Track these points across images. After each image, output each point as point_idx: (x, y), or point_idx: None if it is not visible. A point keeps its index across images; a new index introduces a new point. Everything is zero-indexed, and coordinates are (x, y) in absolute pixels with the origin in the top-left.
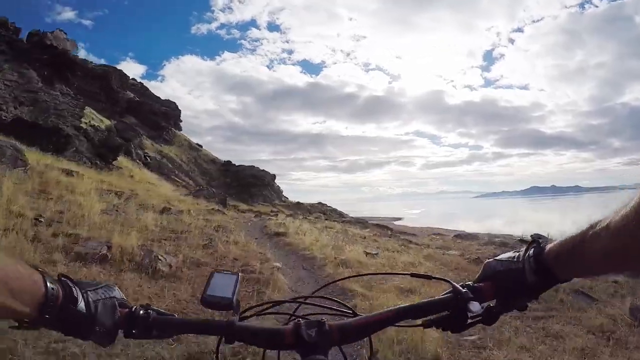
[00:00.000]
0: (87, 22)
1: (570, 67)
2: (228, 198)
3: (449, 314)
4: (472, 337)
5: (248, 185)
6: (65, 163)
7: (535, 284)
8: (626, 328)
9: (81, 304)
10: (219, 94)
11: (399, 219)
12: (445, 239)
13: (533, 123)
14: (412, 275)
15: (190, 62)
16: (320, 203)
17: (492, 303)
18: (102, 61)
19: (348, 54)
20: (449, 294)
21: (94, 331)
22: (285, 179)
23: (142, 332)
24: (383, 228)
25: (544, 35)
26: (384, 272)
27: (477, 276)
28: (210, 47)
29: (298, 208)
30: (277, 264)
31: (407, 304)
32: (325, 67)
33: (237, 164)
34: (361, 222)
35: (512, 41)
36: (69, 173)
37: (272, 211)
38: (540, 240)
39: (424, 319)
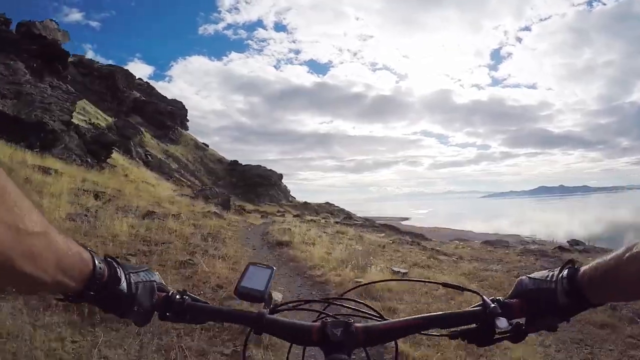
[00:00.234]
0: (94, 24)
1: (578, 65)
2: (234, 198)
3: (477, 327)
4: None
5: (255, 185)
6: (51, 161)
7: (567, 305)
8: None
9: (123, 284)
10: (226, 94)
11: (406, 219)
12: (473, 246)
13: (541, 122)
14: (444, 285)
15: (198, 62)
16: (327, 203)
17: (522, 321)
18: (110, 62)
19: (355, 54)
20: (478, 307)
21: (132, 310)
22: (292, 179)
23: (176, 315)
24: (401, 232)
25: (551, 34)
26: (414, 279)
27: (509, 293)
28: (217, 47)
29: (305, 208)
30: (276, 297)
31: (436, 313)
32: (332, 66)
33: (243, 164)
34: (375, 226)
35: (519, 40)
36: (45, 171)
37: (278, 211)
38: (576, 262)
39: (451, 329)
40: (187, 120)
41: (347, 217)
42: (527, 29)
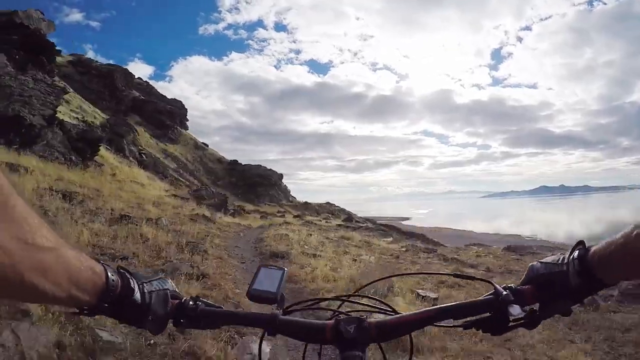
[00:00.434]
0: (94, 24)
1: (578, 65)
2: (233, 198)
3: (490, 316)
4: None
5: (255, 185)
6: (27, 159)
7: (579, 287)
8: None
9: (137, 295)
10: (226, 94)
11: (407, 218)
12: (495, 253)
13: (541, 122)
14: (456, 275)
15: (198, 62)
16: (328, 203)
17: (536, 307)
18: (111, 62)
19: (355, 54)
20: (490, 296)
21: (147, 320)
22: (292, 179)
23: (190, 322)
24: (410, 236)
25: (552, 34)
26: (424, 272)
27: (522, 279)
28: (218, 47)
29: (306, 208)
30: (265, 350)
31: (448, 304)
32: (333, 66)
33: (243, 163)
34: (381, 230)
35: (520, 39)
36: (13, 169)
37: (278, 212)
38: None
39: (464, 319)
40: (187, 120)
41: (348, 218)
42: (528, 28)
